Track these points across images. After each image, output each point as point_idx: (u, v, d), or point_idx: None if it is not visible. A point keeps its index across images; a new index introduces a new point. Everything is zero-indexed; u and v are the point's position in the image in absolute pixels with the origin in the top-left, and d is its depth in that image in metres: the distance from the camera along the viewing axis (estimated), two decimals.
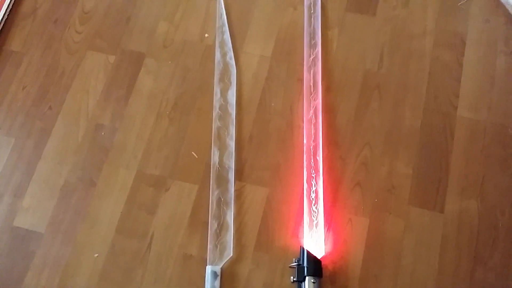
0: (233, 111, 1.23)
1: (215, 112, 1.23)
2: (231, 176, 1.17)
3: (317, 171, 1.14)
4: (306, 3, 1.34)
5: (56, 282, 1.13)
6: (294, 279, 1.05)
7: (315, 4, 1.33)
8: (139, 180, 1.20)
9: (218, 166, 1.17)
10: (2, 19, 1.38)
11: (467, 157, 1.17)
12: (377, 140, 1.19)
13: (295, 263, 1.07)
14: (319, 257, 1.06)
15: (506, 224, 1.11)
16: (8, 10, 1.39)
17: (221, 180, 1.16)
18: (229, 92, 1.25)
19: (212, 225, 1.12)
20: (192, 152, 1.21)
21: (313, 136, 1.17)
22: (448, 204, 1.13)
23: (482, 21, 1.30)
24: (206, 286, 1.07)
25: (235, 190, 1.16)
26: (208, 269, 1.08)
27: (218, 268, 1.08)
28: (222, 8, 1.35)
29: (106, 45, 1.35)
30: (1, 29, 1.38)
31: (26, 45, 1.36)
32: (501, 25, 1.30)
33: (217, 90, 1.25)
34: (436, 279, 1.07)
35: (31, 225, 1.17)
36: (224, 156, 1.18)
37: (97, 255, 1.14)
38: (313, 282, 1.03)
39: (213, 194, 1.15)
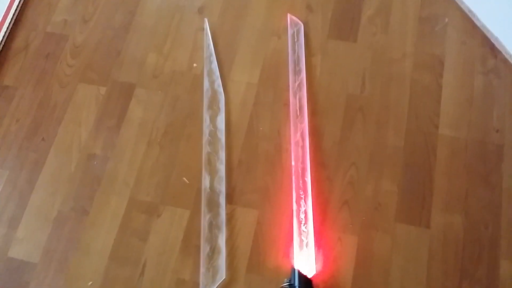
0: (222, 136, 1.26)
1: (205, 138, 1.26)
2: (222, 200, 1.19)
3: (305, 192, 1.16)
4: (289, 32, 1.40)
5: None
6: None
7: (298, 32, 1.39)
8: (131, 207, 1.22)
9: (209, 190, 1.20)
10: None
11: (450, 174, 1.20)
12: (363, 160, 1.23)
13: (287, 283, 1.08)
14: (310, 277, 1.08)
15: (490, 238, 1.14)
16: (1, 45, 1.43)
17: (212, 204, 1.18)
18: (218, 118, 1.29)
19: (205, 249, 1.14)
20: (183, 178, 1.24)
21: (300, 158, 1.21)
22: (433, 219, 1.16)
23: (459, 43, 1.36)
24: None
25: (226, 214, 1.18)
26: None
27: None
28: (209, 38, 1.40)
29: (97, 77, 1.39)
30: None
31: (19, 80, 1.40)
32: (477, 47, 1.35)
33: (206, 116, 1.29)
34: None
35: (25, 255, 1.19)
36: (214, 180, 1.21)
37: (91, 283, 1.14)
38: None
39: (205, 218, 1.17)
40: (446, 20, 1.39)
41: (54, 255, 1.18)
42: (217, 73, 1.35)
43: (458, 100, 1.28)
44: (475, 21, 1.37)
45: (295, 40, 1.38)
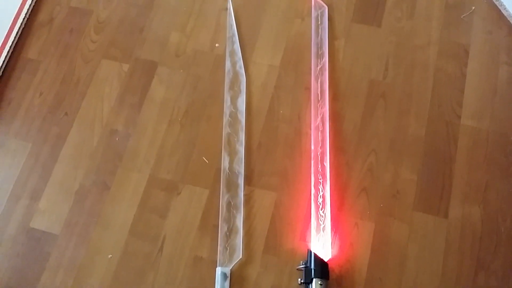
0: (242, 118, 1.27)
1: (225, 119, 1.27)
2: (241, 181, 1.20)
3: (324, 176, 1.17)
4: (313, 14, 1.39)
5: (70, 282, 1.16)
6: (302, 281, 1.08)
7: (322, 15, 1.38)
8: (151, 184, 1.23)
9: (228, 171, 1.21)
10: (19, 28, 1.42)
11: (470, 165, 1.20)
12: (383, 147, 1.23)
13: (303, 266, 1.10)
14: (326, 260, 1.10)
15: (508, 230, 1.14)
16: (25, 19, 1.44)
17: (231, 185, 1.20)
18: (239, 100, 1.29)
19: (222, 228, 1.15)
20: (203, 158, 1.25)
21: (320, 143, 1.21)
22: (451, 210, 1.16)
23: (485, 32, 1.34)
24: (216, 287, 1.11)
25: (244, 195, 1.20)
26: (218, 270, 1.11)
27: (228, 270, 1.12)
28: (232, 19, 1.39)
29: (120, 54, 1.39)
30: (18, 37, 1.43)
31: (43, 53, 1.41)
32: (503, 37, 1.34)
33: (227, 97, 1.29)
34: (439, 283, 1.10)
35: (47, 227, 1.21)
36: (234, 161, 1.22)
37: (110, 256, 1.17)
38: (320, 284, 1.06)
39: (223, 198, 1.18)
40: (473, 8, 1.37)
41: (75, 228, 1.21)
42: (239, 54, 1.35)
43: (482, 90, 1.28)
44: (502, 11, 1.35)
45: (319, 23, 1.37)
